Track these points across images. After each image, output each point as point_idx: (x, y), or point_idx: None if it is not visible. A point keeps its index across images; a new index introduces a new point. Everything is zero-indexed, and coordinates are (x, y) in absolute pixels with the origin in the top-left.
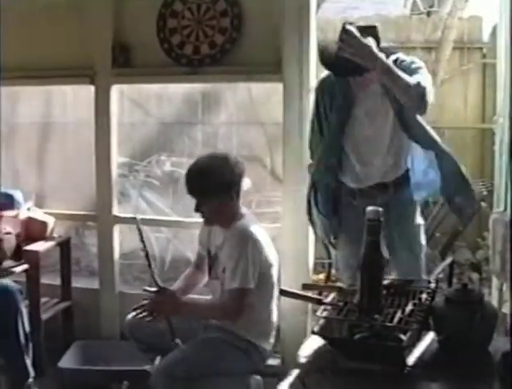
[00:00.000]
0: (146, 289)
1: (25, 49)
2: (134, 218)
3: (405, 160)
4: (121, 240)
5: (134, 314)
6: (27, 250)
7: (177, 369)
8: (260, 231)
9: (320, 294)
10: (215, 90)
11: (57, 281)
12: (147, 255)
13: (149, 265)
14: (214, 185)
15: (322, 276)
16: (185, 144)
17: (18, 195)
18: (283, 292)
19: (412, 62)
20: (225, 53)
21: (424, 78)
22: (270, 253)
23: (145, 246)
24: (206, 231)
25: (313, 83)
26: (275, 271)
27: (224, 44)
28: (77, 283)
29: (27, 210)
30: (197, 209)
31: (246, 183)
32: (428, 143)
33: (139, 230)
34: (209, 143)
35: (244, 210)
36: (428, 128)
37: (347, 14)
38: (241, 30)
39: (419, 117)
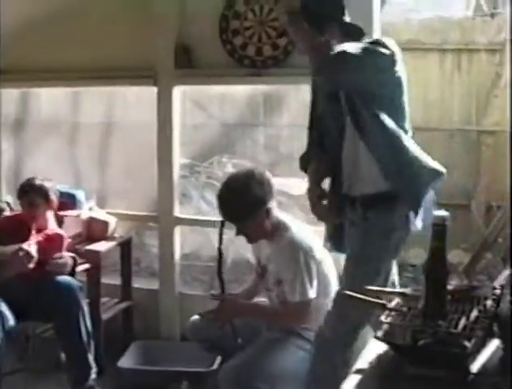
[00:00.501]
0: (212, 294)
1: (89, 51)
2: (220, 222)
3: (377, 175)
4: (181, 241)
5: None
6: (88, 250)
7: (244, 372)
8: (305, 233)
9: (382, 299)
10: (278, 91)
11: (117, 281)
12: (220, 260)
13: (219, 271)
14: (247, 207)
15: None
16: (247, 146)
17: (80, 195)
18: (346, 296)
19: None
20: (288, 55)
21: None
22: (320, 251)
23: (221, 253)
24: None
25: None
26: (328, 267)
27: (287, 45)
28: (137, 283)
29: (89, 210)
30: (238, 233)
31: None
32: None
33: (220, 235)
34: (271, 145)
35: (282, 216)
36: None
37: (409, 17)
38: None
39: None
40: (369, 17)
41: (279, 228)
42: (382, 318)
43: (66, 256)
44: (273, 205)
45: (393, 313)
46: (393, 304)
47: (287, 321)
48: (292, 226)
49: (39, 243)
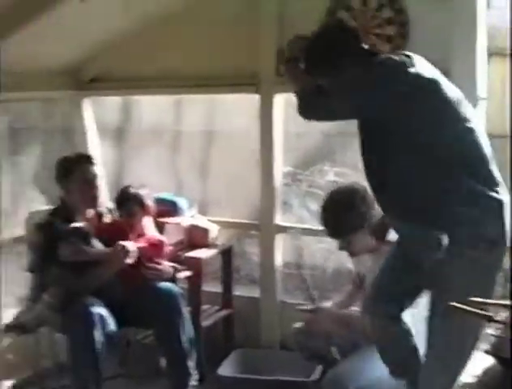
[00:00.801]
0: (300, 309)
1: (191, 58)
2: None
3: None
4: (283, 249)
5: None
6: (189, 257)
7: (345, 381)
8: None
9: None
10: None
11: (218, 289)
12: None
13: (305, 284)
14: (350, 224)
15: None
16: (348, 155)
17: (182, 202)
18: (451, 307)
19: None
20: None
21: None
22: None
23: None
24: None
25: (480, 92)
26: None
27: (390, 52)
28: (237, 291)
29: (190, 217)
30: (341, 248)
31: None
32: None
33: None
34: None
35: None
36: None
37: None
38: (407, 38)
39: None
40: (472, 20)
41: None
42: (490, 330)
43: (166, 264)
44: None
45: (500, 325)
46: (501, 316)
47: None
48: (393, 237)
49: (139, 248)
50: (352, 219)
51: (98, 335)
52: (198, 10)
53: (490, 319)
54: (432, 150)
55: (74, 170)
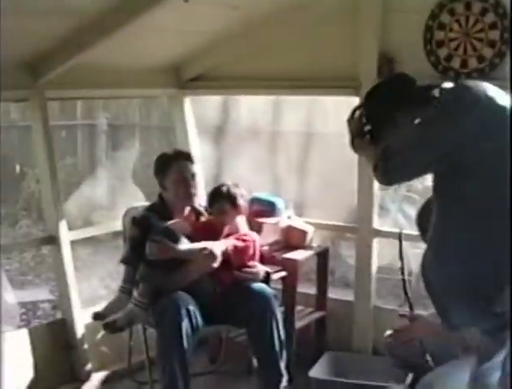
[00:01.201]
0: (401, 314)
1: (292, 59)
2: (399, 233)
3: None
4: (377, 253)
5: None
6: (285, 258)
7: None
8: None
9: None
10: None
11: (311, 290)
12: (402, 273)
13: (405, 289)
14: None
15: None
16: None
17: (280, 203)
18: None
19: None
20: (494, 68)
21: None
22: None
23: (403, 266)
24: None
25: None
26: None
27: (493, 58)
28: (330, 293)
29: (287, 218)
30: None
31: None
32: None
33: (400, 246)
34: None
35: None
36: None
37: None
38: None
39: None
40: None
41: None
42: None
43: (258, 267)
44: None
45: None
46: None
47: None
48: None
49: (230, 248)
50: None
51: (186, 330)
52: (300, 10)
53: None
54: None
55: (171, 167)
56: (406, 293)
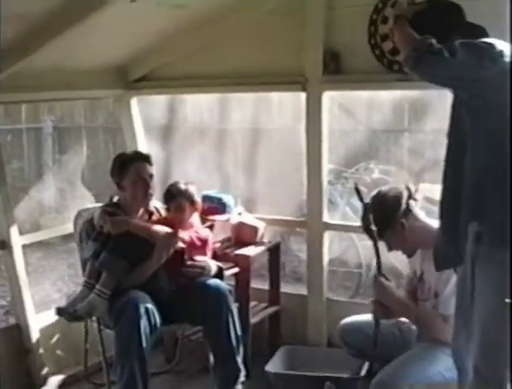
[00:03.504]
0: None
1: (237, 56)
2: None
3: None
4: (329, 246)
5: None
6: (238, 254)
7: (398, 382)
8: None
9: None
10: (423, 97)
11: (264, 286)
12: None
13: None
14: (379, 223)
15: None
16: (393, 152)
17: (229, 200)
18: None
19: None
20: None
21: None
22: None
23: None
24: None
25: None
26: None
27: None
28: (283, 288)
29: (238, 214)
30: (390, 249)
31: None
32: None
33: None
34: (417, 150)
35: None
36: None
37: None
38: None
39: None
40: None
41: (430, 239)
42: None
43: (207, 261)
44: (408, 215)
45: None
46: None
47: (436, 330)
48: None
49: (187, 242)
50: (379, 219)
51: (145, 328)
52: (246, 7)
53: None
54: None
55: (130, 167)
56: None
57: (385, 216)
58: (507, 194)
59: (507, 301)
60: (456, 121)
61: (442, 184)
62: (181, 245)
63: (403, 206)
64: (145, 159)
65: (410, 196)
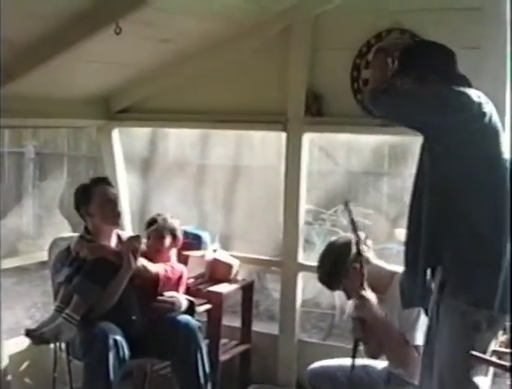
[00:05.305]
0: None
1: (219, 93)
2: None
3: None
4: (302, 287)
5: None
6: (211, 291)
7: None
8: None
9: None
10: (403, 142)
11: (236, 323)
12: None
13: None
14: (330, 272)
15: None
16: (371, 195)
17: (205, 236)
18: (472, 357)
19: None
20: None
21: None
22: None
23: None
24: None
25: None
26: None
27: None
28: (255, 326)
29: (213, 251)
30: (349, 298)
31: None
32: None
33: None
34: (395, 195)
35: (386, 266)
36: None
37: None
38: None
39: None
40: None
41: (386, 282)
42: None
43: (178, 296)
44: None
45: None
46: None
47: (404, 358)
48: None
49: (162, 274)
50: (329, 269)
51: (113, 361)
52: (230, 45)
53: (505, 369)
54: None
55: (93, 192)
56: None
57: (337, 263)
58: (466, 242)
59: (475, 353)
60: (420, 166)
61: (407, 229)
62: (155, 269)
63: (353, 250)
64: (105, 181)
65: (360, 242)
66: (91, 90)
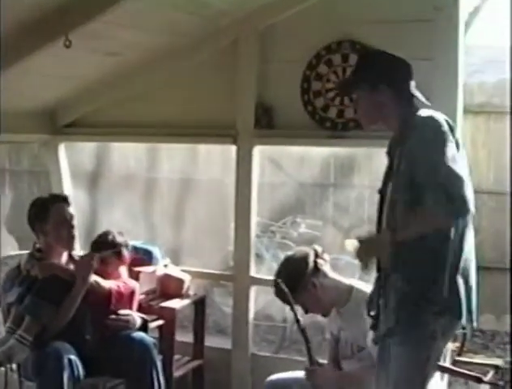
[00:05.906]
0: (307, 369)
1: (168, 107)
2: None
3: None
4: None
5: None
6: (163, 307)
7: None
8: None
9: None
10: (350, 153)
11: (188, 338)
12: (303, 331)
13: (305, 340)
14: (288, 285)
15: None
16: (321, 207)
17: (156, 251)
18: (439, 368)
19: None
20: None
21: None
22: None
23: (300, 327)
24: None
25: None
26: None
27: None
28: (207, 341)
29: (164, 266)
30: (306, 312)
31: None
32: None
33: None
34: (343, 205)
35: (352, 281)
36: None
37: (483, 79)
38: None
39: None
40: (454, 78)
41: (344, 296)
42: None
43: (132, 314)
44: (319, 275)
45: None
46: (488, 377)
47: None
48: (357, 289)
49: (115, 290)
50: (287, 281)
51: (67, 381)
52: (178, 57)
53: (480, 380)
54: None
55: (50, 210)
56: (308, 350)
57: (294, 278)
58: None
59: (447, 366)
60: (388, 179)
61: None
62: (108, 284)
63: (311, 265)
64: (64, 200)
65: (317, 256)
66: (36, 103)
